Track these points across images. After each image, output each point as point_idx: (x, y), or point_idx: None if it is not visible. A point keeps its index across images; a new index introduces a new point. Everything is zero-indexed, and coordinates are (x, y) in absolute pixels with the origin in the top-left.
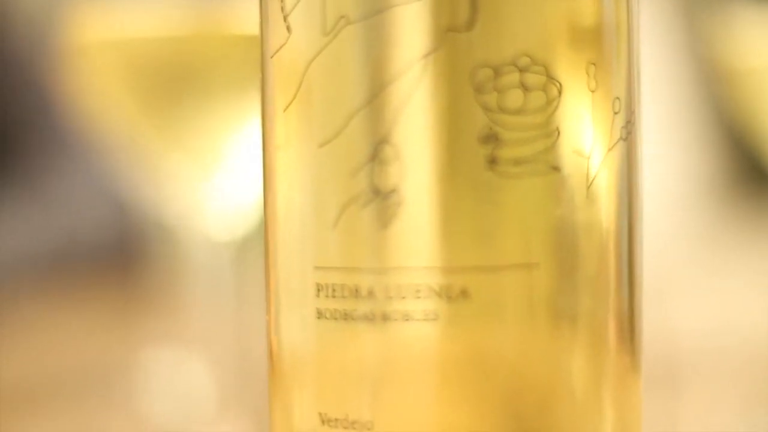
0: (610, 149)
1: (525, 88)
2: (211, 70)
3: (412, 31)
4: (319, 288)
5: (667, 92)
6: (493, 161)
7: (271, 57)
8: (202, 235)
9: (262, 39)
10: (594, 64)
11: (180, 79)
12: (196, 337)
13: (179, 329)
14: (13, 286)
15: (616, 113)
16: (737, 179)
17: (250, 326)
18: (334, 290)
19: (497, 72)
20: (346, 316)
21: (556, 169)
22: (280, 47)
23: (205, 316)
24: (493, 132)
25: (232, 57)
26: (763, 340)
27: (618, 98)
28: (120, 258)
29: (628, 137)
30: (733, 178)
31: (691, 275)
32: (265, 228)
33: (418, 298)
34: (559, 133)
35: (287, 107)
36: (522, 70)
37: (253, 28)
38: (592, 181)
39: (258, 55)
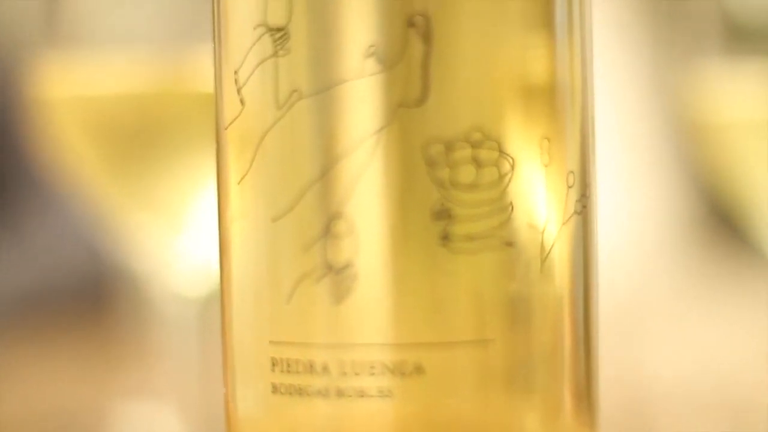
0: (564, 223)
1: (477, 163)
2: (175, 128)
3: (364, 105)
4: (274, 362)
5: (638, 143)
6: (446, 237)
7: (225, 128)
8: (170, 290)
9: (217, 110)
10: (547, 138)
11: (145, 136)
12: (163, 389)
13: (147, 380)
14: None
15: (570, 187)
16: (708, 228)
17: (217, 380)
18: (289, 365)
19: (449, 147)
20: (301, 392)
21: (509, 244)
22: (234, 119)
23: (172, 368)
24: (446, 208)
25: (196, 115)
26: (736, 386)
27: (572, 172)
28: (91, 306)
29: (582, 211)
30: (704, 227)
31: (664, 321)
32: (221, 300)
33: (373, 374)
34: (512, 208)
35: (241, 179)
36: (474, 146)
37: (210, 88)
38: (547, 255)
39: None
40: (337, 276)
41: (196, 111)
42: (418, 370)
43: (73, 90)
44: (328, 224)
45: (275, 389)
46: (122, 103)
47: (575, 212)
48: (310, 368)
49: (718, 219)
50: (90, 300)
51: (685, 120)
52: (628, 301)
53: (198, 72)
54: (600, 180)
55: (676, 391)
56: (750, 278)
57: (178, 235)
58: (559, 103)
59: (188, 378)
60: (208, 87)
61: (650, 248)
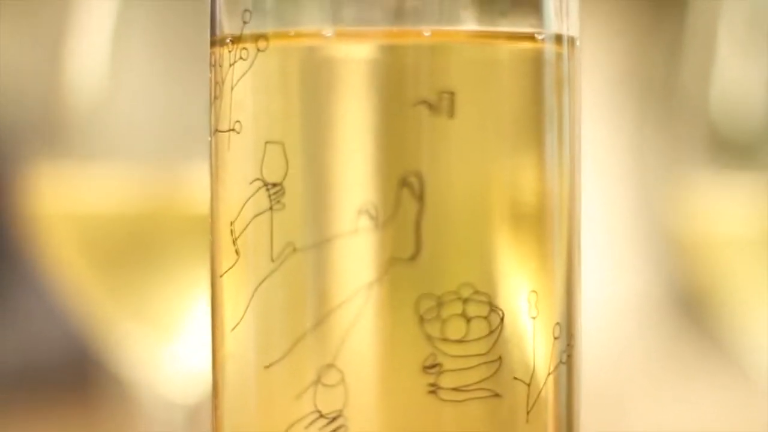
0: (550, 373)
1: (468, 318)
2: (165, 244)
3: (356, 259)
4: None
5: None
6: (435, 388)
7: (221, 276)
8: (157, 395)
9: (212, 257)
10: (535, 291)
11: (135, 251)
12: None
13: None
14: None
15: (556, 338)
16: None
17: None
18: None
19: (440, 302)
20: None
21: (497, 395)
22: (229, 268)
23: None
24: (437, 361)
25: (186, 234)
26: None
27: (558, 323)
28: (76, 396)
29: (567, 360)
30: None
31: (640, 395)
32: None
33: None
34: (501, 360)
35: (235, 327)
36: (465, 301)
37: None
38: (533, 405)
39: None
40: (327, 424)
41: (186, 231)
42: None
43: (68, 206)
44: (320, 373)
45: None
46: (113, 219)
47: (561, 362)
48: None
49: (695, 320)
50: (73, 389)
51: (669, 229)
52: (608, 376)
53: (187, 195)
54: (585, 272)
55: None
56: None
57: (168, 345)
58: (547, 256)
59: None
60: (196, 210)
61: (629, 339)
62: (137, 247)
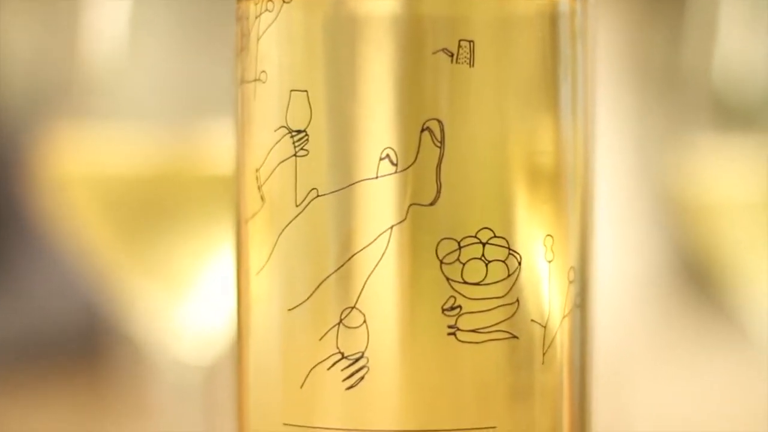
0: (565, 316)
1: (487, 261)
2: (183, 205)
3: (378, 203)
4: None
5: (624, 213)
6: (454, 329)
7: (246, 222)
8: (171, 357)
9: (238, 203)
10: (551, 235)
11: (154, 212)
12: None
13: None
14: None
15: (571, 282)
16: (688, 293)
17: None
18: None
19: (460, 245)
20: None
21: (514, 337)
22: (254, 214)
23: (171, 431)
24: (457, 303)
25: (203, 194)
26: None
27: (573, 267)
28: (87, 361)
29: (582, 304)
30: (685, 292)
31: (646, 373)
32: (237, 383)
33: None
34: (518, 303)
35: (259, 271)
36: (484, 244)
37: (223, 170)
38: (548, 347)
39: (226, 193)
40: (349, 364)
41: (204, 192)
42: None
43: (84, 167)
44: (342, 315)
45: None
46: (132, 180)
47: (575, 305)
48: None
49: (697, 285)
50: (85, 355)
51: (672, 194)
52: (614, 354)
53: (206, 156)
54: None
55: None
56: (723, 341)
57: (183, 305)
58: (563, 201)
59: None
60: (216, 170)
61: (633, 307)
62: (153, 208)
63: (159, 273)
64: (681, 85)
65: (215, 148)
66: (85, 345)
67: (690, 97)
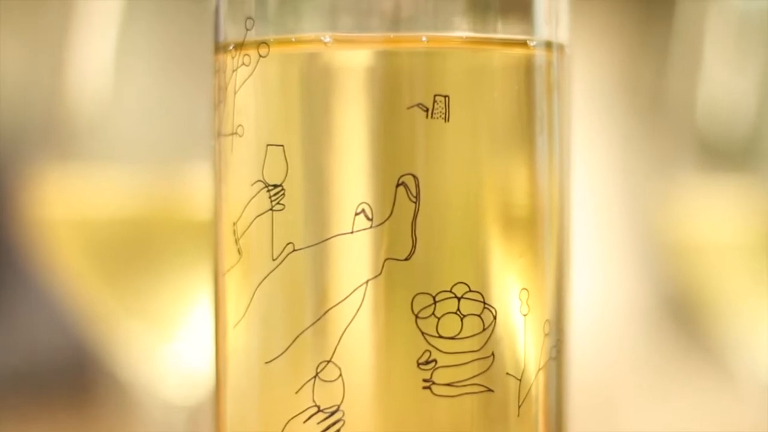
0: (540, 369)
1: (462, 315)
2: (168, 248)
3: (353, 258)
4: None
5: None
6: (430, 383)
7: (223, 275)
8: (157, 396)
9: (216, 256)
10: (526, 289)
11: (140, 255)
12: None
13: None
14: None
15: (546, 335)
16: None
17: None
18: None
19: (435, 300)
20: None
21: (489, 390)
22: (231, 267)
23: None
24: (432, 357)
25: (189, 238)
26: None
27: (548, 320)
28: (74, 397)
29: (557, 356)
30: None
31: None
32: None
33: None
34: (493, 356)
35: (236, 324)
36: (459, 298)
37: (205, 212)
38: (524, 400)
39: (210, 237)
40: (325, 418)
41: (186, 235)
42: None
43: (70, 209)
44: (318, 369)
45: None
46: (117, 223)
47: (551, 358)
48: None
49: (682, 323)
50: (72, 391)
51: (656, 233)
52: (599, 389)
53: (187, 201)
54: (577, 274)
55: None
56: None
57: (168, 346)
58: (538, 254)
59: None
60: (196, 215)
61: (617, 342)
62: (138, 250)
63: (144, 314)
64: (666, 125)
65: (200, 191)
66: (73, 383)
67: (675, 137)
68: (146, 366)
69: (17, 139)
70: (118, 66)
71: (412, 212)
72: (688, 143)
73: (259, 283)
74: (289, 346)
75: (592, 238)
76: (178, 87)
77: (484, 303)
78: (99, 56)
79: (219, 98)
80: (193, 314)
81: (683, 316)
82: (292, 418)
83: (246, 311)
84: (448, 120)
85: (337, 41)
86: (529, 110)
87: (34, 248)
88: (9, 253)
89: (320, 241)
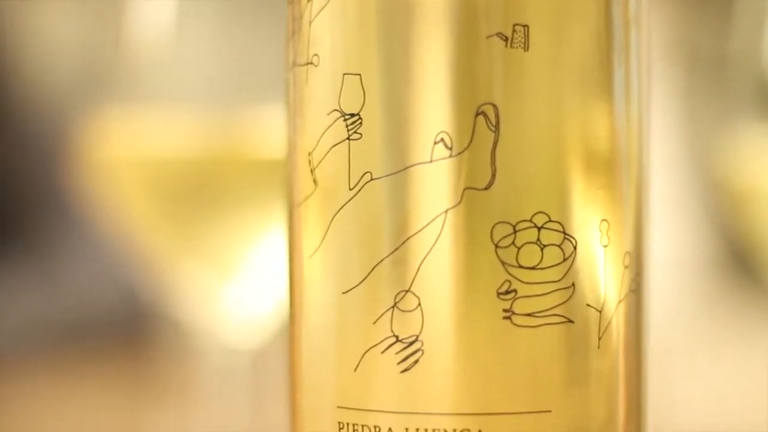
0: (620, 301)
1: (542, 245)
2: (230, 189)
3: (432, 187)
4: (340, 426)
5: (667, 198)
6: (510, 313)
7: (298, 206)
8: (219, 341)
9: (290, 187)
10: (606, 220)
11: (201, 196)
12: None
13: (190, 426)
14: (19, 361)
15: (626, 267)
16: (730, 276)
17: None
18: (354, 429)
19: (516, 229)
20: None
21: (570, 321)
22: (306, 198)
23: (216, 417)
24: (512, 287)
25: (250, 178)
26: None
27: (628, 252)
28: (133, 346)
29: (637, 289)
30: (726, 275)
31: (686, 358)
32: (290, 365)
33: None
34: (573, 287)
35: (313, 254)
36: (539, 228)
37: (268, 152)
38: (604, 332)
39: (273, 177)
40: (403, 348)
41: (250, 175)
42: None
43: (132, 149)
44: (396, 298)
45: None
46: (180, 164)
47: (630, 290)
48: None
49: (743, 272)
50: (131, 340)
51: (717, 180)
52: (660, 339)
53: (253, 139)
54: None
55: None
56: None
57: (229, 288)
58: (618, 186)
59: (235, 427)
60: (261, 154)
61: (679, 293)
62: (199, 191)
63: (206, 256)
64: (729, 74)
65: (263, 131)
66: (131, 329)
67: (738, 86)
68: (206, 309)
69: (79, 82)
70: (180, 5)
71: (492, 141)
72: (750, 93)
73: (336, 213)
74: (366, 276)
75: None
76: (240, 27)
77: (565, 233)
78: None
79: (293, 29)
80: (253, 256)
81: (745, 264)
82: (370, 349)
83: (322, 241)
84: (528, 50)
85: None
86: (609, 42)
87: (95, 191)
88: (70, 199)
89: (398, 171)
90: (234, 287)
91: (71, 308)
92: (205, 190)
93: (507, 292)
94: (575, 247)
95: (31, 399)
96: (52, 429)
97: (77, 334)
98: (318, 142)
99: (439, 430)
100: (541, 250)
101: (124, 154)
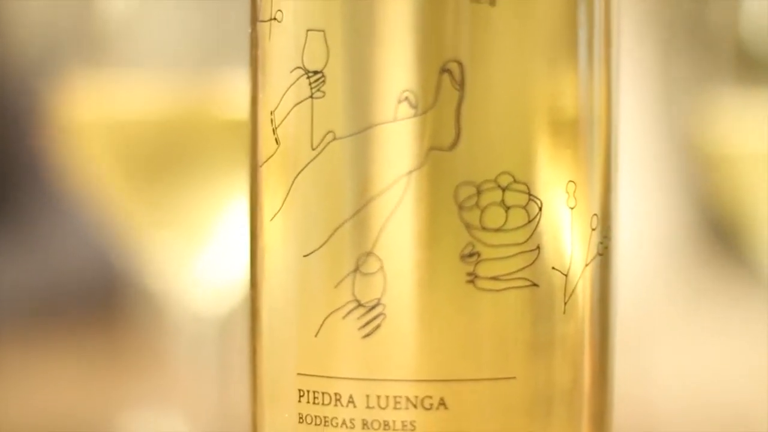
0: (587, 264)
1: (506, 206)
2: (198, 152)
3: (396, 148)
4: (300, 393)
5: (645, 163)
6: (473, 277)
7: (260, 166)
8: (187, 308)
9: (252, 148)
10: (573, 181)
11: (169, 159)
12: (178, 402)
13: (161, 392)
14: None
15: (593, 229)
16: (710, 247)
17: (233, 397)
18: (315, 397)
19: (479, 190)
20: (326, 423)
21: (535, 285)
22: (269, 158)
23: (187, 383)
24: (475, 249)
25: (218, 140)
26: (736, 401)
27: (596, 214)
28: (103, 314)
29: (604, 252)
30: (706, 246)
31: (666, 333)
32: (250, 330)
33: (398, 408)
34: (539, 250)
35: (273, 216)
36: (504, 189)
37: (237, 114)
38: (570, 296)
39: (242, 139)
40: (365, 312)
41: (218, 137)
42: (442, 405)
43: (100, 113)
44: (358, 261)
45: (301, 419)
46: (148, 126)
47: (598, 254)
48: (336, 401)
49: (720, 239)
50: (100, 308)
51: (693, 146)
52: (633, 307)
53: (220, 100)
54: None
55: (679, 406)
56: (747, 296)
57: (198, 255)
58: (585, 147)
59: (204, 393)
60: (230, 114)
61: (653, 263)
62: (167, 155)
63: (174, 222)
64: (706, 37)
65: (229, 93)
66: (101, 297)
67: (715, 49)
68: (176, 276)
69: (47, 46)
70: None
71: (457, 100)
72: (727, 57)
73: (298, 174)
74: (328, 239)
75: (628, 151)
76: None
77: (530, 194)
78: None
79: None
80: (223, 222)
81: (721, 230)
82: (332, 313)
83: (283, 203)
84: (495, 4)
85: None
86: (576, 0)
87: (64, 156)
88: (38, 165)
89: (362, 130)
90: (202, 254)
91: (43, 276)
92: (174, 154)
93: (470, 255)
94: (540, 209)
95: (4, 369)
96: (26, 398)
97: (49, 303)
98: (280, 100)
99: (400, 397)
100: (506, 211)
101: (93, 117)
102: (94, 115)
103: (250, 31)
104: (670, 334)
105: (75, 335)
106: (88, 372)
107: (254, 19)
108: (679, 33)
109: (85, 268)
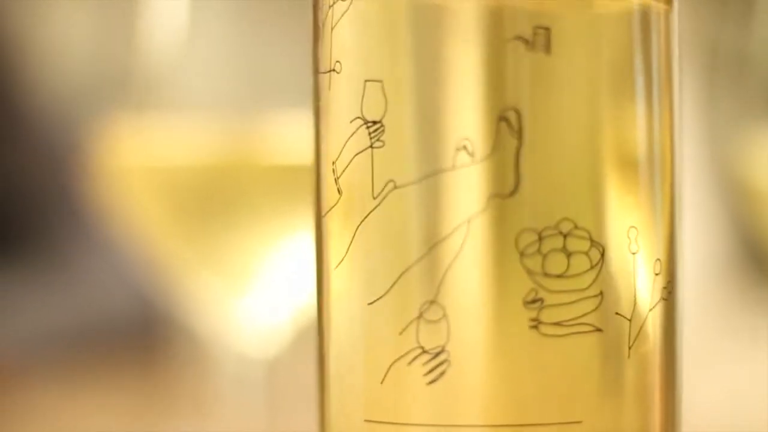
0: (651, 309)
1: (568, 252)
2: (243, 195)
3: (456, 195)
4: None
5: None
6: (537, 323)
7: (324, 215)
8: (233, 350)
9: (316, 197)
10: (635, 227)
11: (213, 203)
12: None
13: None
14: (33, 369)
15: (656, 274)
16: (745, 272)
17: None
18: None
19: (541, 236)
20: None
21: (598, 330)
22: (332, 207)
23: (231, 427)
24: (538, 296)
25: (263, 185)
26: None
27: (659, 259)
28: (146, 355)
29: (668, 297)
30: (742, 272)
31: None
32: (318, 376)
33: None
34: (602, 295)
35: (338, 265)
36: (565, 235)
37: (284, 160)
38: (634, 340)
39: (287, 183)
40: (430, 359)
41: (263, 182)
42: None
43: (145, 157)
44: (422, 309)
45: None
46: (193, 170)
47: (662, 298)
48: None
49: (755, 265)
50: (144, 350)
51: (738, 182)
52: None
53: (266, 146)
54: None
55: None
56: None
57: (245, 297)
58: (647, 192)
59: None
60: (275, 160)
61: (698, 298)
62: (213, 199)
63: (220, 265)
64: (749, 74)
65: (276, 138)
66: (145, 338)
67: (757, 86)
68: (222, 318)
69: (93, 88)
70: (194, 11)
71: (515, 148)
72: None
73: (360, 222)
74: (391, 286)
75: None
76: (253, 34)
77: (591, 240)
78: (174, 3)
79: (316, 35)
80: (269, 264)
81: (763, 266)
82: (397, 360)
83: (347, 251)
84: (549, 52)
85: None
86: (633, 46)
87: (108, 199)
88: (83, 206)
89: (421, 179)
90: (249, 296)
91: (85, 316)
92: (219, 198)
93: (533, 301)
94: (603, 255)
95: (44, 407)
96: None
97: (91, 343)
98: (341, 150)
99: None
100: (567, 257)
101: (138, 161)
102: (139, 158)
103: (296, 76)
104: (713, 367)
105: (117, 375)
106: (129, 413)
107: (315, 71)
108: (721, 70)
109: (129, 309)
